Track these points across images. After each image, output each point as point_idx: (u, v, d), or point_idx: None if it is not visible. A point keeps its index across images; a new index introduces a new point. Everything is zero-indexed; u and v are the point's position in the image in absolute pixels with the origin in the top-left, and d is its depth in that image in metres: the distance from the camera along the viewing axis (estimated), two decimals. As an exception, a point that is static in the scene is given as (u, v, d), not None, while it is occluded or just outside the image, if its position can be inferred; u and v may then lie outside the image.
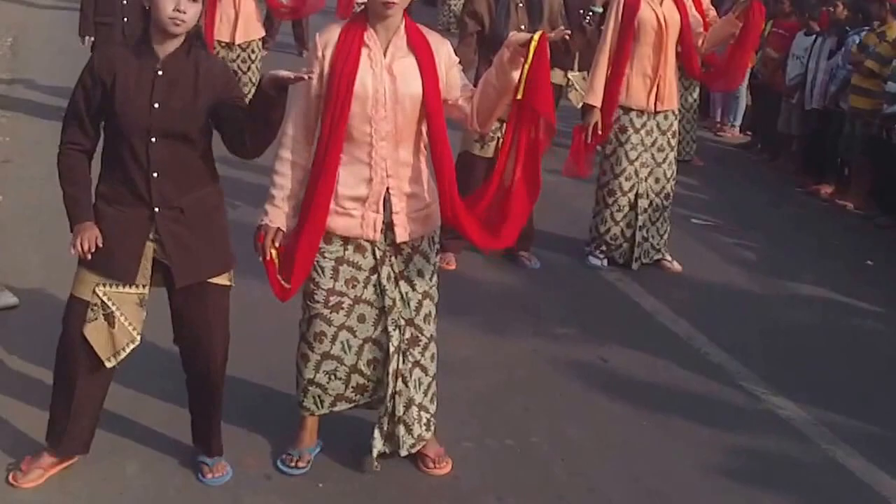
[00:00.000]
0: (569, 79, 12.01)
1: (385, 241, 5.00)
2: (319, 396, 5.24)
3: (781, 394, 6.69)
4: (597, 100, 8.32)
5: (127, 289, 4.84)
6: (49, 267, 7.15)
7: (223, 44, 11.47)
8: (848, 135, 11.34)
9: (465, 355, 6.74)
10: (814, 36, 12.14)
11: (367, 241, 4.98)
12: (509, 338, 7.24)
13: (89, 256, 4.62)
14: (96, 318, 4.82)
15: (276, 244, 4.88)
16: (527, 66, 4.77)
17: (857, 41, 11.24)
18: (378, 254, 5.01)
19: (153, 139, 4.68)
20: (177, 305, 5.00)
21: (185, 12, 4.60)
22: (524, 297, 8.01)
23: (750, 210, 11.08)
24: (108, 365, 4.90)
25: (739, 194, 11.73)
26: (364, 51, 4.84)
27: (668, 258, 8.81)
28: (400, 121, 4.88)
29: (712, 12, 11.60)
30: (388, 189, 4.94)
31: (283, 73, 4.39)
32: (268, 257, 4.87)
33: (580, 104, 12.10)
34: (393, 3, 4.74)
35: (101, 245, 4.64)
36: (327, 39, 4.87)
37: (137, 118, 4.66)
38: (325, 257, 5.01)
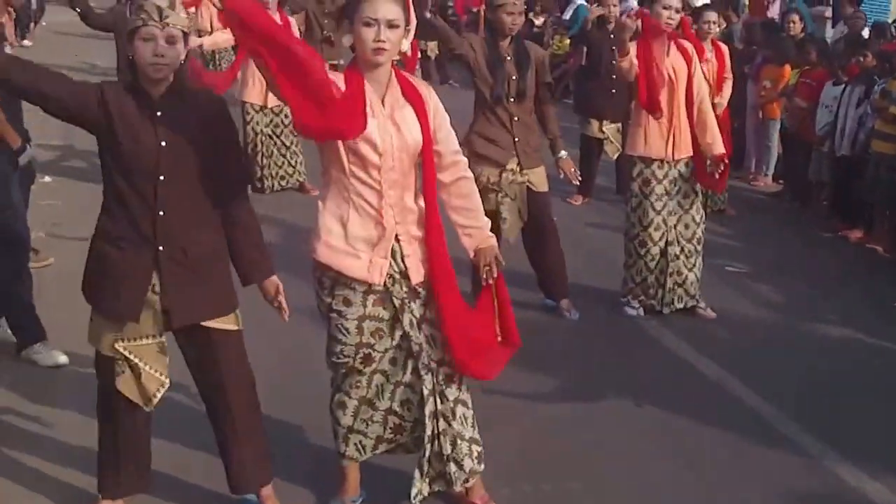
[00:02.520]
0: (604, 132, 12.23)
1: (401, 288, 5.06)
2: (361, 442, 5.32)
3: (818, 438, 6.74)
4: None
5: (144, 341, 4.96)
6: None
7: (256, 107, 11.70)
8: (872, 179, 11.44)
9: (500, 400, 6.84)
10: (843, 85, 12.28)
11: (383, 288, 5.04)
12: (545, 383, 7.36)
13: None
14: (123, 372, 4.96)
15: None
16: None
17: (882, 88, 11.38)
18: (397, 302, 5.06)
19: (161, 177, 4.78)
20: (186, 354, 5.13)
21: (163, 56, 4.72)
22: (560, 344, 8.14)
23: (782, 256, 11.18)
24: (147, 409, 5.05)
25: (772, 242, 11.83)
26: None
27: (703, 305, 8.91)
28: (406, 168, 5.00)
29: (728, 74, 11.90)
30: (397, 235, 5.03)
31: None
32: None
33: (615, 156, 12.33)
34: (383, 48, 4.82)
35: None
36: (336, 77, 4.91)
37: (146, 157, 4.76)
38: (347, 319, 5.07)
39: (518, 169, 8.22)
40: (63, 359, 7.07)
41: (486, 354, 5.23)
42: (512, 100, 8.12)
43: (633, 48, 8.37)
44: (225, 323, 5.06)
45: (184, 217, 4.87)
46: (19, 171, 7.13)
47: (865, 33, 13.93)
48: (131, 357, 4.94)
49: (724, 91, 11.88)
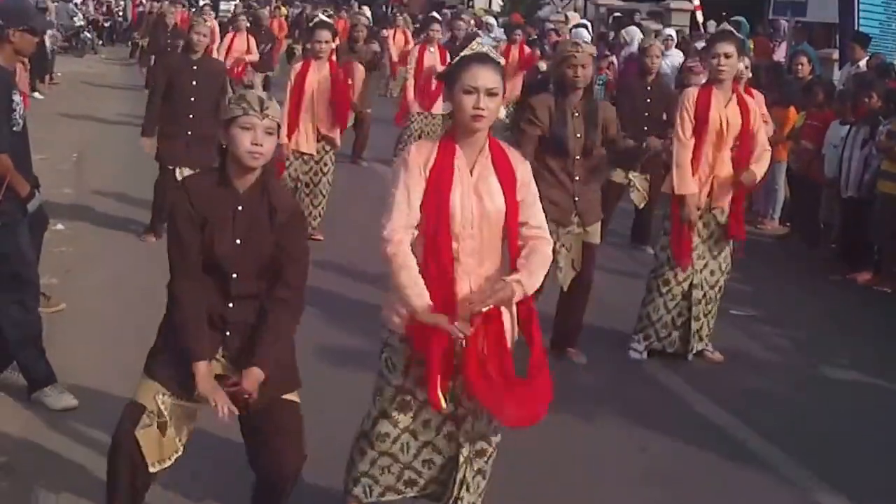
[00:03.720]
0: (630, 179, 12.25)
1: (461, 350, 5.02)
2: (370, 486, 5.35)
3: (826, 484, 6.77)
4: (692, 186, 8.41)
5: (186, 402, 4.97)
6: (106, 371, 7.38)
7: (297, 154, 11.81)
8: (878, 220, 11.54)
9: (503, 442, 6.85)
10: (848, 125, 12.35)
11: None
12: (546, 423, 7.35)
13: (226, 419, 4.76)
14: (150, 425, 4.92)
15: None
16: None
17: (888, 129, 11.49)
18: (455, 360, 5.03)
19: (234, 275, 4.85)
20: (245, 423, 5.12)
21: (262, 145, 4.77)
22: (563, 388, 8.08)
23: (789, 300, 11.22)
24: (152, 470, 5.00)
25: (779, 285, 11.86)
26: (455, 168, 4.97)
27: (710, 348, 8.93)
28: (486, 237, 5.00)
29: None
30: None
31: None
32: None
33: (642, 204, 12.33)
34: (482, 115, 4.86)
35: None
36: (427, 156, 4.97)
37: (223, 255, 4.81)
38: (397, 353, 5.11)
39: (576, 222, 8.25)
40: (73, 402, 7.11)
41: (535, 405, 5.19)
42: (578, 158, 8.07)
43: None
44: (290, 395, 5.10)
45: (252, 307, 4.94)
46: (30, 217, 7.20)
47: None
48: (165, 412, 4.94)
49: (759, 164, 11.85)
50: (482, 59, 4.94)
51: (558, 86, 8.26)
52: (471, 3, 43.49)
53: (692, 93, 8.53)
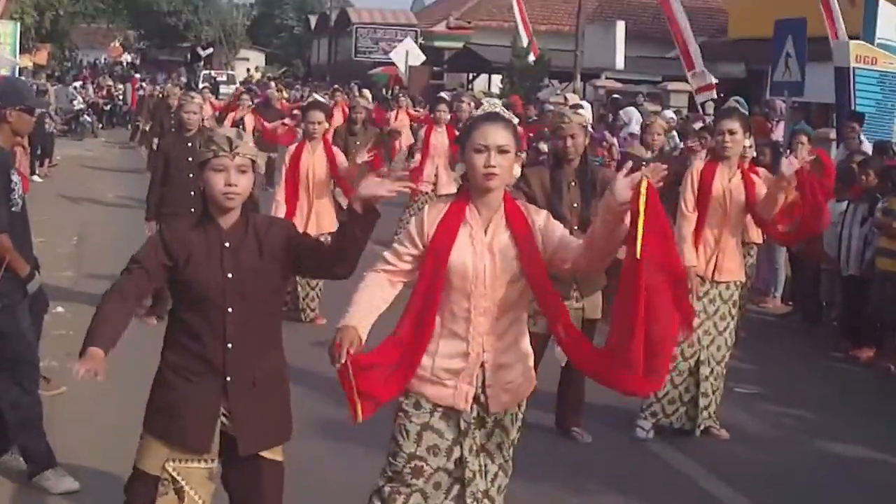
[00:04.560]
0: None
1: (471, 412, 5.08)
2: None
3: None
4: (692, 258, 8.44)
5: (196, 464, 4.91)
6: (107, 454, 7.33)
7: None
8: (879, 297, 11.59)
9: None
10: (846, 203, 12.39)
11: (457, 410, 5.06)
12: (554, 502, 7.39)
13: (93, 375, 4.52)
14: (167, 493, 4.86)
15: (352, 350, 4.87)
16: (640, 224, 4.64)
17: (884, 206, 11.56)
18: (463, 425, 5.08)
19: (230, 309, 4.80)
20: (231, 482, 5.06)
21: (236, 185, 4.78)
22: (568, 466, 8.12)
23: (792, 377, 11.19)
24: None
25: (782, 363, 11.84)
26: (464, 228, 5.00)
27: (717, 425, 8.87)
28: (499, 296, 5.01)
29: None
30: (482, 363, 5.05)
31: (376, 191, 4.60)
32: (342, 362, 4.87)
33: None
34: (494, 174, 4.90)
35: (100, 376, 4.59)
36: (436, 215, 5.03)
37: (214, 291, 4.79)
38: (411, 421, 5.09)
39: (577, 298, 8.19)
40: (74, 485, 7.07)
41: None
42: (576, 228, 7.82)
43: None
44: (276, 454, 5.06)
45: (251, 346, 4.90)
46: (30, 298, 7.19)
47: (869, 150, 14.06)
48: (179, 478, 4.88)
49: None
50: (492, 117, 5.00)
51: (555, 157, 8.28)
52: (471, 86, 43.85)
53: (697, 167, 8.61)
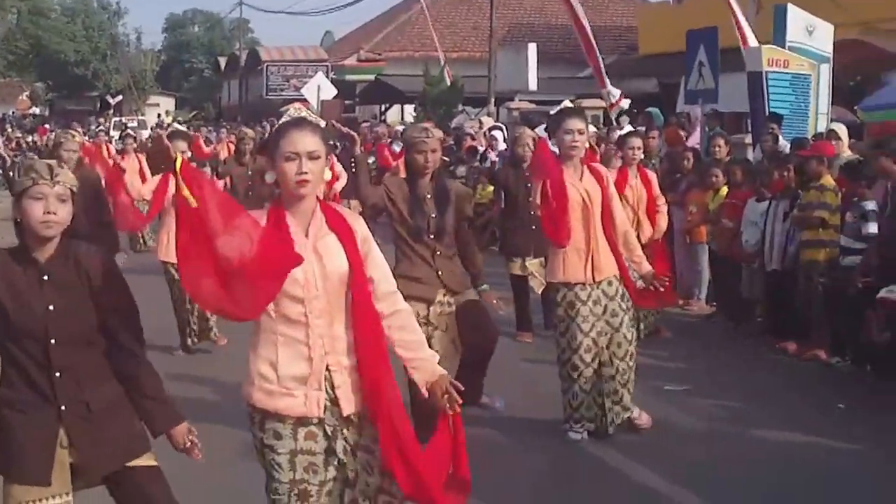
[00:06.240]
0: (527, 267, 12.23)
1: (332, 416, 4.98)
2: None
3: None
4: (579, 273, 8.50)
5: (53, 501, 4.85)
6: None
7: (174, 266, 11.54)
8: (805, 289, 11.68)
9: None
10: (767, 201, 12.46)
11: (314, 420, 4.96)
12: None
13: None
14: None
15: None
16: None
17: (798, 203, 11.80)
18: (329, 430, 4.97)
19: (52, 341, 4.76)
20: (119, 499, 5.09)
21: (55, 213, 4.74)
22: (505, 471, 8.03)
23: (721, 373, 11.19)
24: None
25: (709, 360, 11.85)
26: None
27: (636, 413, 8.82)
28: (332, 297, 4.95)
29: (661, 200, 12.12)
30: (328, 366, 4.96)
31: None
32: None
33: (540, 290, 12.30)
34: (306, 180, 4.85)
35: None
36: (257, 218, 4.93)
37: (34, 323, 4.74)
38: (278, 453, 4.96)
39: (446, 298, 8.27)
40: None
41: (440, 485, 5.07)
42: (432, 237, 8.21)
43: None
44: (147, 460, 5.05)
45: (81, 375, 4.87)
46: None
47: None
48: None
49: (660, 223, 12.08)
50: (300, 123, 4.98)
51: (410, 170, 8.39)
52: (384, 117, 43.96)
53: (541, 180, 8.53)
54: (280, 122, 5.08)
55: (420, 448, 5.00)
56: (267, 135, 24.52)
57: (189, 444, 5.12)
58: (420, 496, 5.02)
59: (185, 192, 4.60)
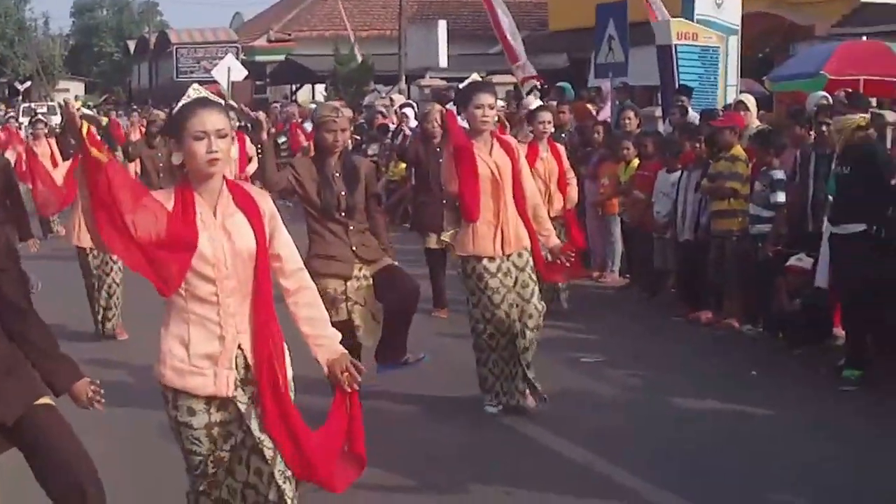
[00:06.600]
0: (443, 240, 12.21)
1: (244, 393, 4.97)
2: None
3: (683, 502, 6.87)
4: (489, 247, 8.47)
5: None
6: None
7: (88, 250, 11.41)
8: (717, 258, 11.80)
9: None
10: (678, 171, 12.56)
11: (225, 398, 4.95)
12: (408, 484, 7.33)
13: None
14: None
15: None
16: None
17: (709, 173, 11.91)
18: (242, 408, 4.96)
19: None
20: (24, 448, 5.13)
21: None
22: (422, 448, 8.04)
23: (636, 344, 11.27)
24: None
25: (624, 332, 11.91)
26: (196, 215, 4.91)
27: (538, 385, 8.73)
28: (241, 275, 4.94)
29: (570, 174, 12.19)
30: (239, 345, 4.96)
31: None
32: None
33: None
34: (217, 159, 4.83)
35: None
36: (165, 198, 4.92)
37: None
38: (194, 428, 4.95)
39: (362, 272, 8.27)
40: None
41: (331, 463, 5.08)
42: (343, 214, 8.21)
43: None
44: (45, 400, 5.11)
45: None
46: None
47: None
48: None
49: (570, 194, 12.13)
50: (205, 103, 4.96)
51: (319, 149, 8.41)
52: (294, 97, 43.73)
53: (448, 151, 8.58)
54: (181, 102, 5.00)
55: (307, 428, 5.00)
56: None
57: (91, 394, 5.17)
58: (307, 476, 5.04)
59: (94, 153, 4.66)
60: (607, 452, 7.76)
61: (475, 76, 8.88)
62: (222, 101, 5.13)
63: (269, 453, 4.93)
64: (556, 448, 7.95)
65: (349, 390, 5.06)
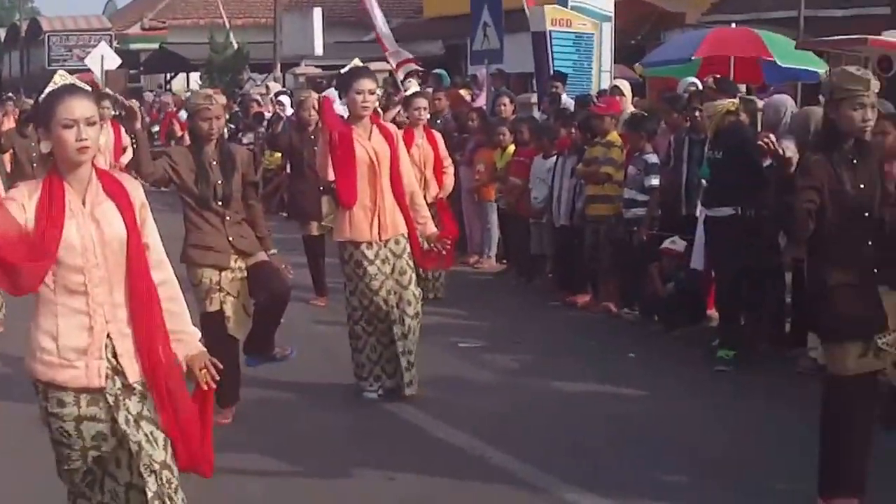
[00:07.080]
0: (323, 226, 12.20)
1: (115, 384, 4.91)
2: None
3: (574, 485, 6.91)
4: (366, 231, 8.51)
5: None
6: None
7: None
8: (592, 243, 11.94)
9: (250, 488, 6.78)
10: (554, 157, 12.68)
11: (96, 389, 4.88)
12: (296, 477, 7.30)
13: None
14: None
15: None
16: None
17: (584, 158, 12.04)
18: (111, 399, 4.90)
19: None
20: None
21: None
22: (300, 439, 8.00)
23: (514, 329, 11.35)
24: None
25: (502, 317, 11.96)
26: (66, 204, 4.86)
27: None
28: (111, 264, 4.89)
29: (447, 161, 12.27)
30: (108, 335, 4.90)
31: None
32: None
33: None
34: (87, 147, 4.78)
35: None
36: (30, 191, 4.85)
37: None
38: (64, 420, 4.89)
39: (237, 264, 8.16)
40: None
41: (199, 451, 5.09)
42: (220, 203, 8.08)
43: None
44: None
45: None
46: None
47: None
48: None
49: (446, 182, 12.22)
50: (73, 90, 4.89)
51: (194, 138, 8.32)
52: (169, 86, 43.31)
53: (324, 139, 8.60)
54: (46, 90, 4.93)
55: (198, 418, 5.01)
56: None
57: None
58: (195, 468, 5.07)
59: None
60: (488, 436, 7.82)
61: (356, 62, 8.88)
62: (91, 89, 5.07)
63: (134, 447, 4.89)
64: (437, 434, 8.00)
65: (205, 388, 5.04)
